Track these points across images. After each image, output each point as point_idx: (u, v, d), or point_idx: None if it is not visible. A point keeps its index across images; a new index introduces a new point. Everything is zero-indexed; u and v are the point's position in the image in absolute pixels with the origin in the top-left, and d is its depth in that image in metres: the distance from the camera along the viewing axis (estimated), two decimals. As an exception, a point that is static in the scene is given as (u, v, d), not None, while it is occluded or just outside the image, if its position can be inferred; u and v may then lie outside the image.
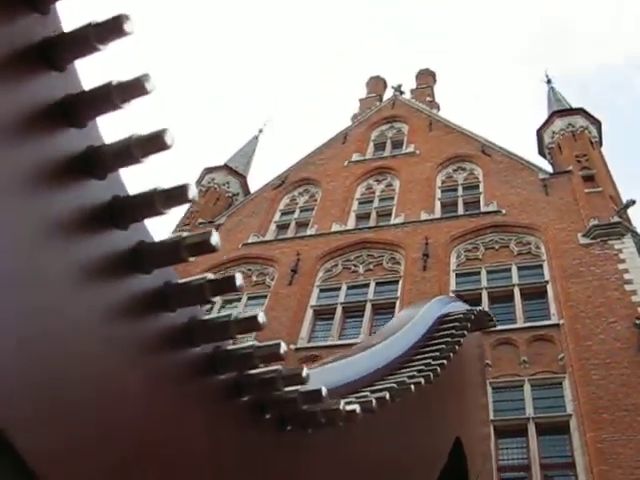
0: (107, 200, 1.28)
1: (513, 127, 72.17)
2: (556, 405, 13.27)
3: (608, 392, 12.76)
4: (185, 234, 1.37)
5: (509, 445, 12.96)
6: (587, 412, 12.54)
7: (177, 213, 26.08)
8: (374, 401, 2.51)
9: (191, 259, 1.35)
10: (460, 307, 6.70)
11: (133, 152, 1.24)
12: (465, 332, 5.36)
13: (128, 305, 1.33)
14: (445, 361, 4.37)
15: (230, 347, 1.59)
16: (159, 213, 1.29)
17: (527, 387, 13.71)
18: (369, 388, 3.14)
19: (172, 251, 1.36)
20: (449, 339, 4.89)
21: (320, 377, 2.73)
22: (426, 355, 4.42)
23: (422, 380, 3.59)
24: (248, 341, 1.64)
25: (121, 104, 1.21)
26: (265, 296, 19.14)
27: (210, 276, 1.43)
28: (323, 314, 18.03)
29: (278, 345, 1.58)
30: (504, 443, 12.99)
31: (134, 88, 1.20)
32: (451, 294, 16.83)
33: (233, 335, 1.51)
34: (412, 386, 3.32)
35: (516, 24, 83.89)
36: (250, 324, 1.50)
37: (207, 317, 1.53)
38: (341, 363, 3.69)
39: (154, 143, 1.23)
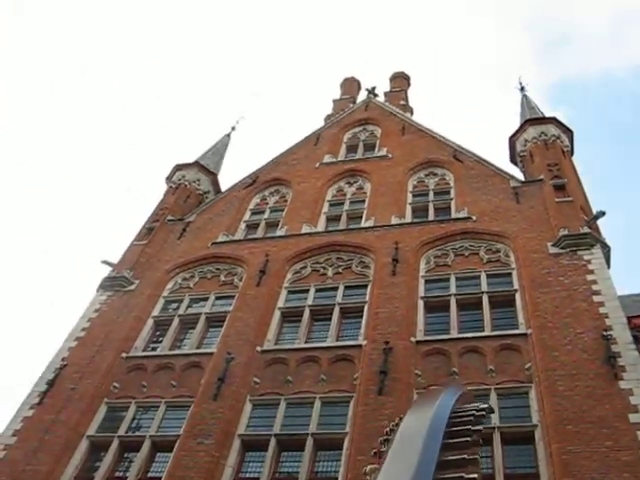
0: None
1: (486, 133, 72.44)
2: (522, 415, 13.17)
3: (573, 403, 12.72)
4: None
5: (474, 454, 12.84)
6: (552, 423, 12.48)
7: (147, 209, 25.69)
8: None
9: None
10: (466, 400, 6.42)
11: None
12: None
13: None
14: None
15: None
16: None
17: (493, 396, 13.59)
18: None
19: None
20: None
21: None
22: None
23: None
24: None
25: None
26: (233, 296, 18.86)
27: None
28: (290, 316, 17.80)
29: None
30: (469, 452, 12.87)
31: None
32: (420, 300, 16.80)
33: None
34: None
35: (492, 33, 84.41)
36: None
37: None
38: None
39: None
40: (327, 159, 25.29)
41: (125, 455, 14.97)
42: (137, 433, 15.28)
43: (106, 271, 21.00)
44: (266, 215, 23.19)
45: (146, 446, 14.67)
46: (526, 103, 26.06)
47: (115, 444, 14.99)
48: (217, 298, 19.16)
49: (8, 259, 64.87)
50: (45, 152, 74.54)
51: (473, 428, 5.19)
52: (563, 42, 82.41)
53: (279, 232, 21.47)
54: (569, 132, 22.89)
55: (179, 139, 77.37)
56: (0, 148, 65.66)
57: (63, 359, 17.55)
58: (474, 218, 19.33)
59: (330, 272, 18.90)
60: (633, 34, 74.77)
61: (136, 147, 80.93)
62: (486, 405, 6.29)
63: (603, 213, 17.25)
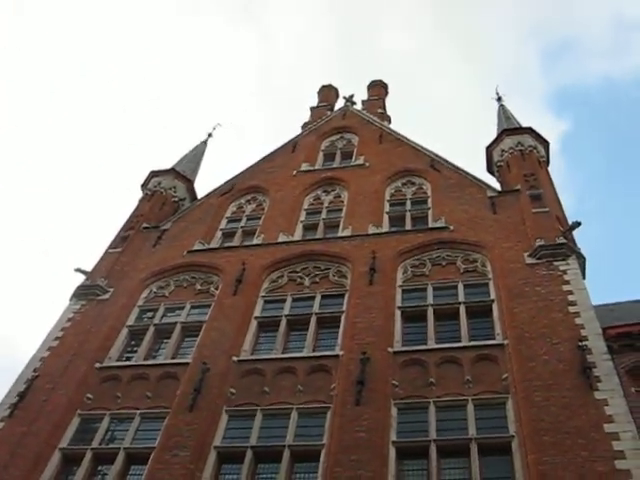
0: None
1: (463, 143, 72.91)
2: (499, 426, 13.15)
3: (550, 414, 12.75)
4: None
5: (452, 465, 12.80)
6: (529, 434, 12.50)
7: (122, 215, 25.41)
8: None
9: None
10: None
11: None
12: None
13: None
14: None
15: None
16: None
17: (470, 407, 13.58)
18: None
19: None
20: None
21: None
22: None
23: None
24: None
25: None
26: (209, 305, 18.66)
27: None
28: (267, 326, 17.66)
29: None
30: (446, 463, 12.85)
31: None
32: (397, 310, 16.78)
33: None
34: None
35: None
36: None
37: None
38: None
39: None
40: (304, 167, 25.24)
41: (99, 468, 14.67)
42: (111, 445, 15.00)
43: (80, 279, 20.72)
44: (243, 223, 23.06)
45: (120, 458, 14.40)
46: (503, 113, 26.26)
47: (88, 456, 14.70)
48: (193, 307, 18.94)
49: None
50: (12, 157, 73.64)
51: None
52: (564, 49, 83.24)
53: (256, 240, 21.34)
54: (545, 143, 23.08)
55: (153, 146, 76.91)
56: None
57: (35, 370, 17.19)
58: (451, 228, 19.38)
59: (307, 281, 18.81)
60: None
61: (108, 153, 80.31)
62: None
63: (579, 224, 17.37)
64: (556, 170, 73.48)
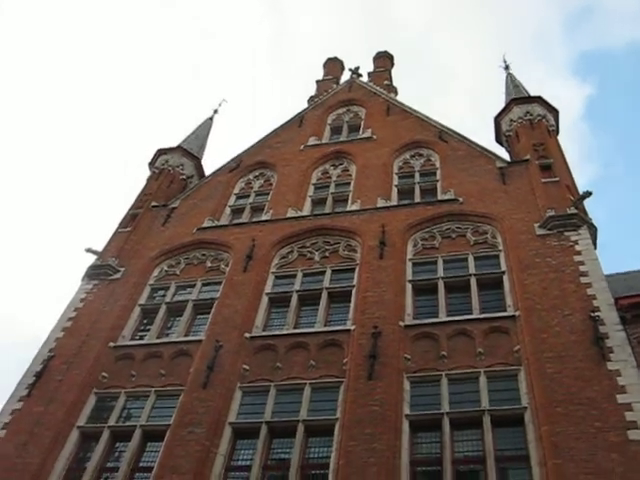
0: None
1: (471, 113, 72.23)
2: (511, 398, 13.19)
3: (562, 385, 12.77)
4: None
5: (465, 437, 12.88)
6: (542, 405, 12.53)
7: (131, 195, 25.40)
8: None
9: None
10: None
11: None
12: None
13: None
14: None
15: None
16: None
17: (483, 379, 13.62)
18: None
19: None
20: None
21: None
22: None
23: None
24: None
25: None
26: (220, 282, 18.73)
27: None
28: (278, 302, 17.72)
29: None
30: (459, 435, 12.94)
31: None
32: (408, 284, 16.77)
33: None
34: None
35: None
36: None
37: None
38: None
39: None
40: (311, 141, 25.13)
41: (116, 445, 14.90)
42: (127, 423, 15.21)
43: (91, 259, 20.81)
44: (251, 199, 23.04)
45: (137, 436, 14.61)
46: (511, 82, 25.94)
47: (106, 434, 14.92)
48: (204, 285, 19.04)
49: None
50: (21, 140, 73.59)
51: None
52: (585, 15, 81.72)
53: (265, 216, 21.34)
54: (554, 111, 22.78)
55: (160, 124, 76.68)
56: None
57: (50, 350, 17.39)
58: (460, 200, 19.29)
59: (317, 256, 18.83)
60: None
61: (116, 132, 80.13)
62: None
63: (590, 193, 17.22)
64: (580, 135, 72.84)
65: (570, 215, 16.95)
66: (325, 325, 16.42)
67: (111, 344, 17.34)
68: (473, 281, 16.40)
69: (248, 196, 23.31)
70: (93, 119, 78.83)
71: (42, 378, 16.49)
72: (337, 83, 30.81)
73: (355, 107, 27.39)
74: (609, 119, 76.51)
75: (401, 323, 15.42)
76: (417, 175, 21.78)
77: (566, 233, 16.61)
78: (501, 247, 17.31)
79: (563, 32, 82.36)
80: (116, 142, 79.75)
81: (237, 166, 24.83)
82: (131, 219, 22.67)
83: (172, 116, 78.77)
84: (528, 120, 22.02)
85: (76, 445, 15.03)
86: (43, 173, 74.50)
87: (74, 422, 15.39)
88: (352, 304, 16.58)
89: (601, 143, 75.70)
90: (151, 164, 26.09)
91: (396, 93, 29.06)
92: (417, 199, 20.45)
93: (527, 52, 78.49)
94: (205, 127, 29.71)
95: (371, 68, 31.64)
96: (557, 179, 18.65)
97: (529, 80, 67.78)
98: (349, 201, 21.06)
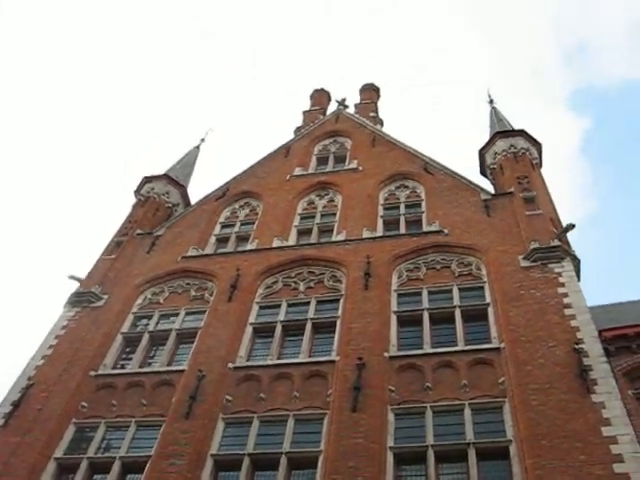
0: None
1: (456, 146, 72.84)
2: (496, 430, 13.12)
3: (547, 418, 12.74)
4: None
5: (450, 470, 12.76)
6: (526, 438, 12.47)
7: (116, 221, 25.26)
8: None
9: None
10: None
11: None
12: None
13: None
14: None
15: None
16: None
17: (467, 411, 13.55)
18: None
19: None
20: None
21: None
22: None
23: None
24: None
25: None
26: (204, 312, 18.59)
27: None
28: (262, 332, 17.59)
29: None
30: (444, 468, 12.81)
31: None
32: (392, 315, 16.73)
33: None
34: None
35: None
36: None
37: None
38: None
39: None
40: (298, 172, 25.21)
41: (94, 477, 14.59)
42: (107, 454, 14.91)
43: (74, 286, 20.61)
44: (236, 228, 23.01)
45: (116, 467, 14.32)
46: (495, 115, 26.29)
47: (84, 465, 14.61)
48: (187, 314, 18.87)
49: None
50: (4, 161, 73.27)
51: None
52: (580, 51, 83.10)
53: (250, 246, 21.29)
54: (538, 145, 23.10)
55: (146, 152, 76.68)
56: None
57: (29, 378, 17.08)
58: (446, 231, 19.38)
59: (302, 286, 18.76)
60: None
61: (101, 159, 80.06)
62: None
63: (573, 226, 17.40)
64: (580, 170, 73.69)
65: (553, 247, 17.08)
66: (309, 356, 16.30)
67: (92, 373, 17.08)
68: (458, 312, 16.40)
69: (233, 225, 23.28)
70: (79, 145, 78.66)
71: (20, 407, 16.14)
72: (324, 114, 31.05)
73: (341, 138, 27.56)
74: (606, 153, 77.52)
75: (386, 354, 15.35)
76: (402, 206, 21.88)
77: (550, 265, 16.72)
78: (485, 279, 17.36)
79: (560, 67, 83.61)
80: (102, 169, 79.62)
81: (223, 195, 24.83)
82: (115, 246, 22.53)
83: (159, 144, 78.80)
84: (512, 153, 22.27)
85: (53, 477, 14.70)
86: (26, 198, 74.01)
87: (51, 454, 15.06)
88: (337, 335, 16.50)
89: (597, 177, 76.64)
90: (137, 191, 26.03)
91: (382, 125, 29.32)
92: (402, 230, 20.51)
93: (524, 86, 79.62)
94: (192, 155, 29.77)
95: (358, 99, 31.91)
96: (540, 212, 18.82)
97: (525, 112, 68.76)
98: (334, 231, 21.07)
